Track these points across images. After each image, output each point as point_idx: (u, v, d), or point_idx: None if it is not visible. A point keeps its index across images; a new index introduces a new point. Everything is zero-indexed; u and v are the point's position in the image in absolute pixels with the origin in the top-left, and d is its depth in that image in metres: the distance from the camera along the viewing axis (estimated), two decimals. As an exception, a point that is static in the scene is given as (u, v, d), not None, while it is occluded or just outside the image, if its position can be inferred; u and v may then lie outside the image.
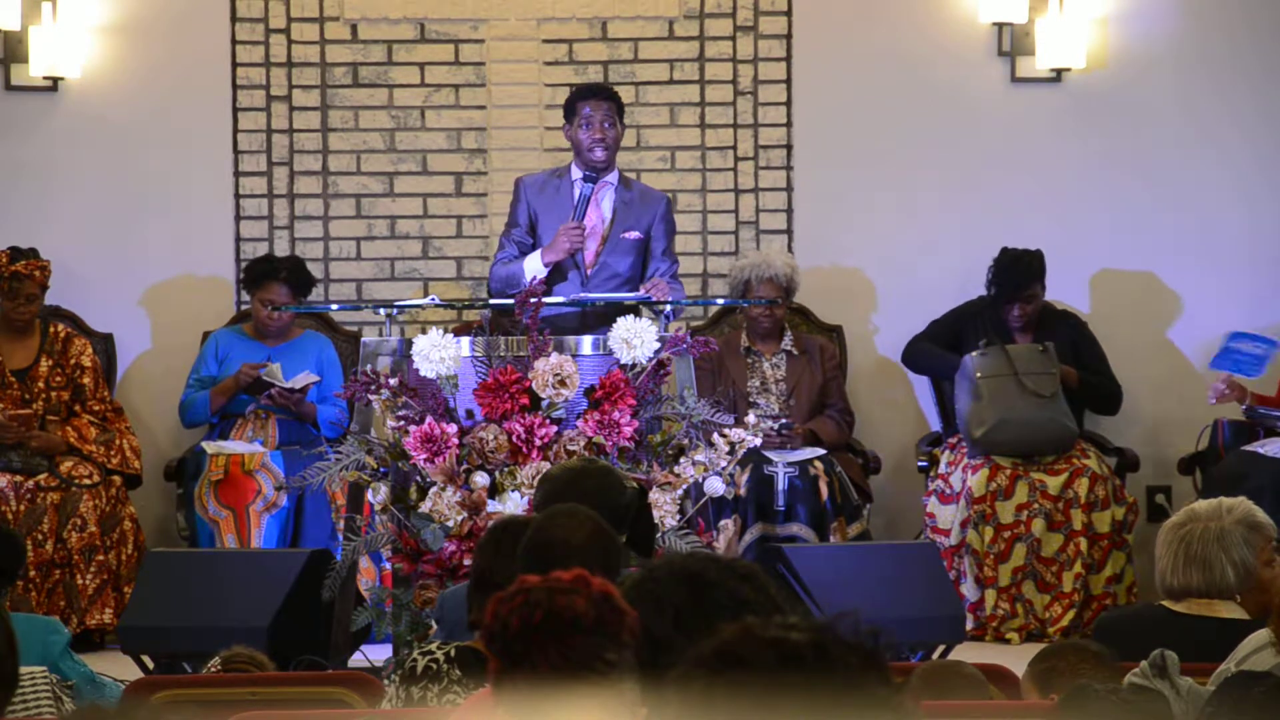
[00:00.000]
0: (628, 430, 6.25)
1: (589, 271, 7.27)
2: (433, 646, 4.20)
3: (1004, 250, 8.44)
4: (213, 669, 5.05)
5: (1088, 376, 8.47)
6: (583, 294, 7.14)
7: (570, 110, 7.32)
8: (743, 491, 7.97)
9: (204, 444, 8.23)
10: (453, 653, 4.16)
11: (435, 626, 5.55)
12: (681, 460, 6.32)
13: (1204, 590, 4.79)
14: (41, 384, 8.10)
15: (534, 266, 7.17)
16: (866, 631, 2.15)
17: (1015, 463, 8.17)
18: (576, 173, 7.34)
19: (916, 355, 8.60)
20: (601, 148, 7.25)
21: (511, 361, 6.32)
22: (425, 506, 6.23)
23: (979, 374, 8.20)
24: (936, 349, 8.50)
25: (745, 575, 2.75)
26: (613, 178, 7.38)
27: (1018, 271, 8.37)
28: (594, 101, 7.27)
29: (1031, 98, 8.86)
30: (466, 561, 5.95)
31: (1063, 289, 8.70)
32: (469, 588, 4.44)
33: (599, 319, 7.03)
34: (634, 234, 7.34)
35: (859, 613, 2.16)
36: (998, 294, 8.42)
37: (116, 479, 8.07)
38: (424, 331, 6.35)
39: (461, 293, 8.77)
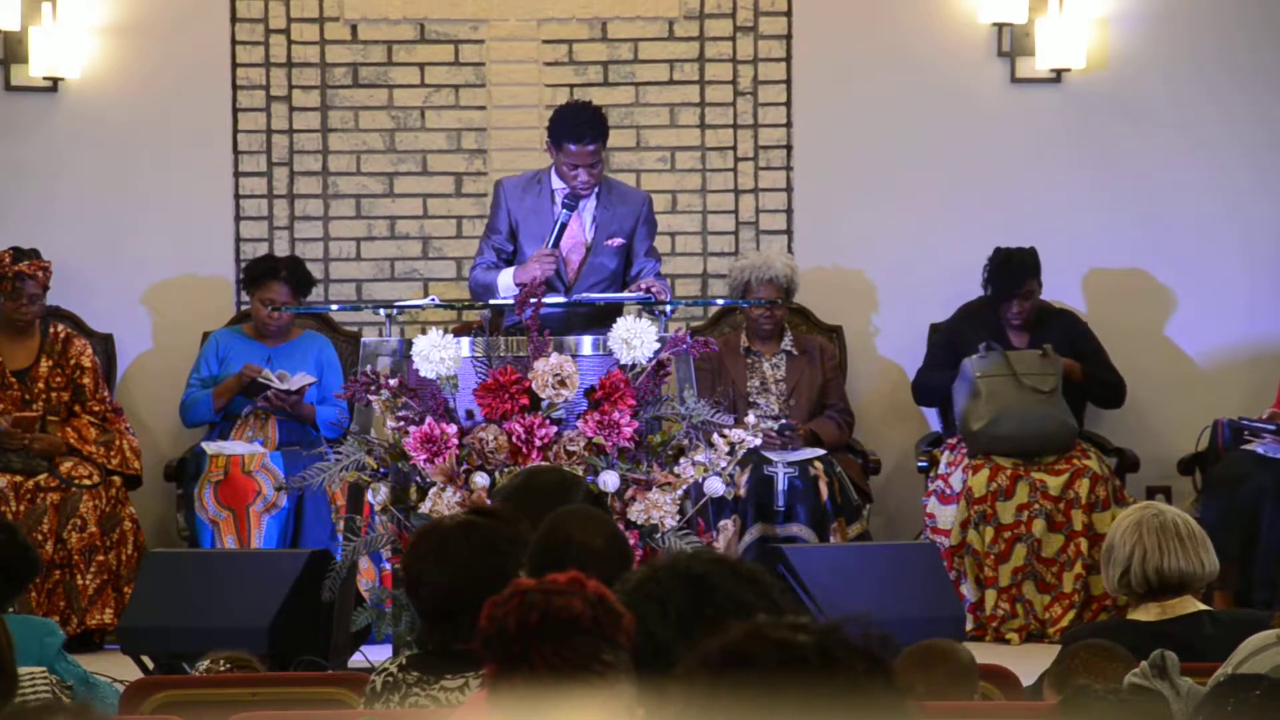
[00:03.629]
0: (627, 431, 6.24)
1: (573, 284, 7.21)
2: (386, 663, 4.12)
3: (997, 249, 8.44)
4: (199, 673, 5.03)
5: (1090, 369, 8.46)
6: (585, 294, 7.11)
7: (556, 141, 7.11)
8: (742, 492, 7.96)
9: (204, 444, 8.23)
10: (404, 662, 4.06)
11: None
12: (681, 461, 6.31)
13: (1202, 577, 4.81)
14: (41, 384, 8.10)
15: (507, 284, 7.05)
16: (875, 636, 2.14)
17: (1016, 463, 8.16)
18: (558, 181, 7.26)
19: (924, 388, 8.60)
20: (585, 188, 7.14)
21: (511, 362, 6.31)
22: (425, 507, 6.22)
23: (978, 374, 8.20)
24: (941, 374, 8.48)
25: (749, 579, 2.73)
26: None
27: (1012, 268, 8.37)
28: (580, 146, 7.04)
29: (1031, 98, 8.86)
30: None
31: (1061, 289, 8.70)
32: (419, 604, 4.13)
33: (585, 318, 7.01)
34: (617, 240, 7.27)
35: (868, 616, 2.15)
36: (995, 292, 8.42)
37: (116, 479, 8.06)
38: (424, 332, 6.34)
39: (461, 293, 8.75)
